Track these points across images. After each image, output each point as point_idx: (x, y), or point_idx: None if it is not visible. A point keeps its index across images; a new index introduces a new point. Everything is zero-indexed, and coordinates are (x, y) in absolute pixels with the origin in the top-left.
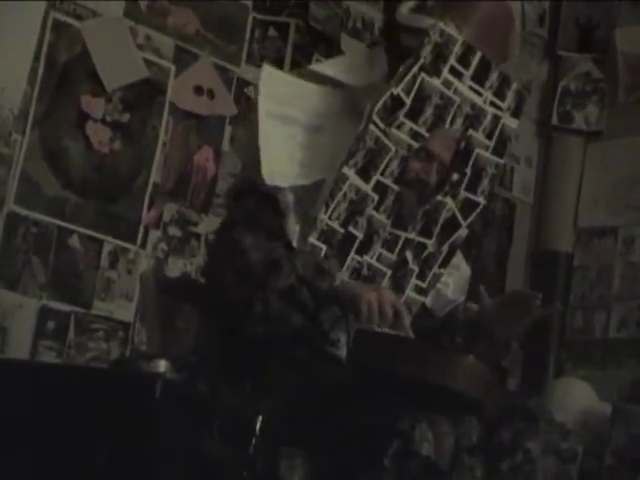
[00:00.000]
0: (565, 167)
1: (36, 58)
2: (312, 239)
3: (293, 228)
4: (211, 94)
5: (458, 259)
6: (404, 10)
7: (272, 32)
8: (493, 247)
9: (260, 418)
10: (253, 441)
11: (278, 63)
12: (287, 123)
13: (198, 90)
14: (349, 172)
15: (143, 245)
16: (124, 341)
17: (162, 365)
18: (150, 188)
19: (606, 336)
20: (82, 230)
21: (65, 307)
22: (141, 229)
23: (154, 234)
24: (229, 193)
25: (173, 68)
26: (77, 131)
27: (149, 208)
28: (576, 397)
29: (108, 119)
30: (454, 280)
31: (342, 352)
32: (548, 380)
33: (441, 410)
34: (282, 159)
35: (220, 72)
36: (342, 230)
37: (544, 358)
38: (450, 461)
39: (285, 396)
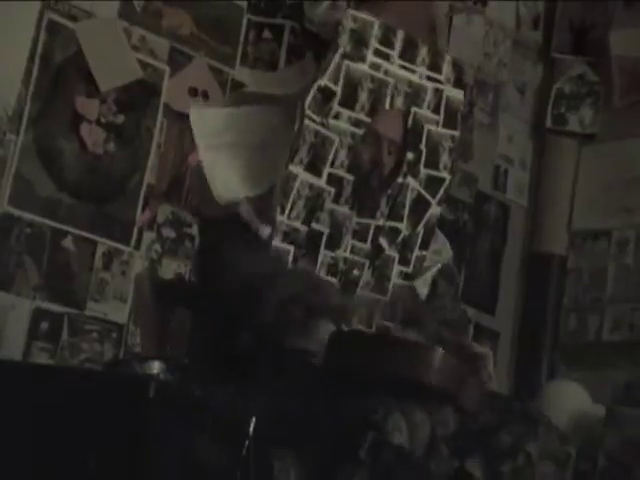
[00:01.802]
0: (559, 169)
1: (30, 59)
2: (276, 242)
3: (264, 231)
4: (205, 95)
5: (441, 242)
6: (319, 10)
7: (267, 34)
8: (486, 249)
9: (253, 419)
10: (246, 442)
11: (273, 65)
12: (227, 149)
13: (192, 91)
14: (297, 169)
15: (137, 246)
16: (118, 342)
17: (156, 366)
18: (144, 189)
19: (600, 338)
20: (76, 231)
21: (59, 308)
22: (135, 230)
23: (148, 235)
24: (200, 224)
25: (168, 69)
26: (71, 132)
27: (143, 209)
28: (569, 399)
29: (102, 120)
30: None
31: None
32: (541, 382)
33: (414, 403)
34: (228, 177)
35: (215, 74)
36: (305, 228)
37: (537, 360)
38: (426, 450)
39: (272, 397)
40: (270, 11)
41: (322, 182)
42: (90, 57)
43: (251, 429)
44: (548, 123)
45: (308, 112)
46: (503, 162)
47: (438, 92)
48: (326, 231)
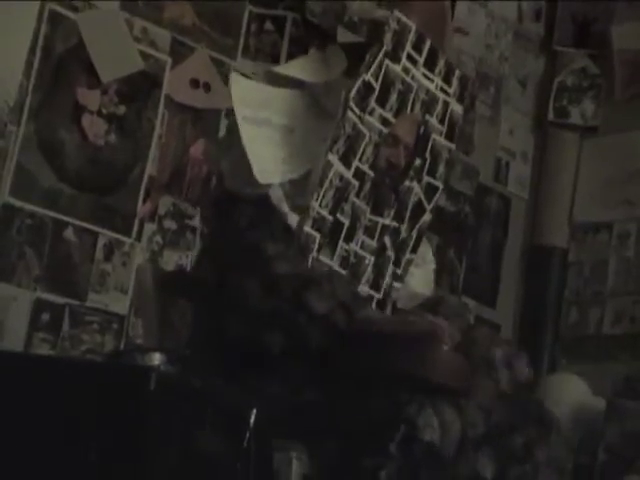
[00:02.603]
0: (561, 162)
1: (32, 50)
2: (307, 228)
3: (292, 219)
4: (207, 87)
5: (424, 249)
6: (355, 5)
7: (268, 25)
8: (488, 242)
9: (254, 411)
10: (247, 434)
11: (274, 57)
12: (262, 126)
13: (194, 83)
14: (333, 159)
15: (138, 238)
16: (119, 334)
17: (157, 358)
18: (146, 181)
19: (600, 331)
20: (77, 222)
21: (60, 299)
22: (136, 222)
23: (149, 227)
24: (220, 204)
25: (169, 61)
26: (73, 123)
27: (144, 201)
28: (570, 392)
29: (104, 111)
30: (420, 272)
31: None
32: (542, 375)
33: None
34: (267, 158)
35: (216, 65)
36: (331, 218)
37: (538, 353)
38: (457, 450)
39: (287, 388)
40: (272, 3)
41: (350, 175)
42: (91, 48)
43: (252, 420)
44: (550, 116)
45: (351, 104)
46: (504, 155)
47: (446, 104)
48: (347, 223)
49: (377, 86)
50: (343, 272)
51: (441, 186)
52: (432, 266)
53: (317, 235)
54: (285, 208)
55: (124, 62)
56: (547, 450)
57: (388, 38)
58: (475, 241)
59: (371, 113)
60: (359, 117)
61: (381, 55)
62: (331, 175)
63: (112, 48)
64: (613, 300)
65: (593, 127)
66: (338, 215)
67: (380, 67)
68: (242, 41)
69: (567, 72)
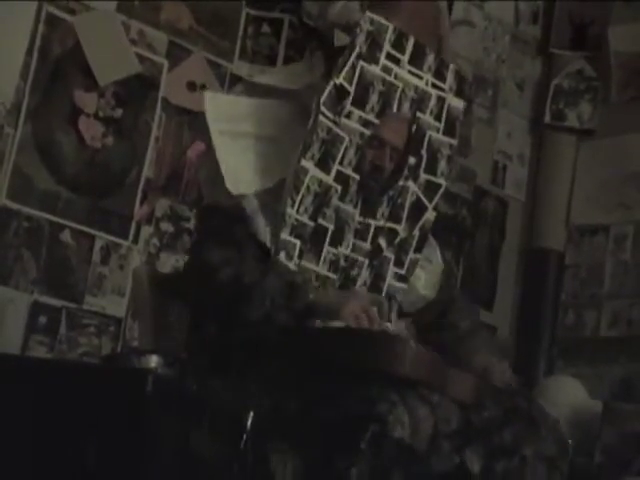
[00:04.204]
0: (557, 165)
1: (29, 52)
2: (284, 235)
3: (264, 230)
4: (204, 89)
5: (431, 250)
6: (335, 9)
7: (265, 28)
8: (485, 244)
9: (251, 413)
10: (244, 436)
11: (271, 59)
12: (239, 138)
13: (191, 85)
14: (308, 164)
15: (135, 241)
16: (116, 336)
17: (153, 360)
18: (142, 183)
19: (597, 334)
20: (74, 225)
21: (57, 302)
22: (133, 224)
23: (146, 230)
24: (196, 215)
25: (166, 63)
26: (70, 126)
27: (141, 203)
28: (567, 394)
29: (101, 114)
30: (426, 274)
31: None
32: (539, 377)
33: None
34: (241, 169)
35: (213, 68)
36: (312, 223)
37: (535, 355)
38: (429, 445)
39: (270, 390)
40: (269, 5)
41: (330, 179)
42: (88, 51)
43: (249, 423)
44: (547, 119)
45: (323, 109)
46: (502, 157)
47: (440, 100)
48: (331, 228)
49: (352, 89)
50: (334, 276)
51: (444, 183)
52: (439, 268)
53: (297, 242)
54: (259, 218)
55: (121, 65)
56: (535, 445)
57: (361, 39)
58: (472, 244)
59: (348, 116)
60: (333, 121)
61: (354, 57)
62: (307, 181)
63: (109, 51)
64: (610, 303)
65: (590, 130)
66: (320, 220)
67: (354, 69)
68: (239, 44)
69: (564, 75)
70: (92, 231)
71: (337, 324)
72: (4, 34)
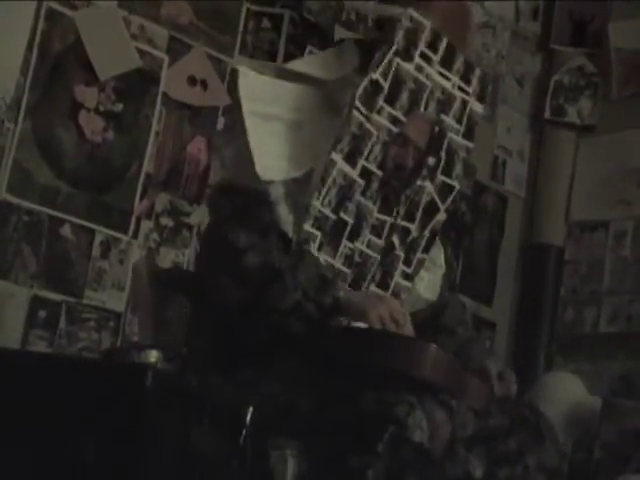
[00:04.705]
0: (557, 161)
1: (29, 47)
2: (307, 226)
3: (286, 219)
4: (204, 85)
5: (436, 251)
6: (370, 3)
7: (266, 23)
8: (484, 240)
9: (250, 409)
10: (243, 432)
11: (272, 54)
12: (270, 121)
13: (191, 80)
14: (337, 158)
15: (135, 235)
16: (115, 331)
17: (153, 355)
18: (142, 178)
19: (597, 330)
20: (74, 220)
21: (56, 296)
22: (133, 219)
23: (146, 224)
24: (213, 193)
25: (166, 58)
26: (70, 120)
27: (141, 198)
28: (566, 391)
29: (101, 109)
30: (429, 275)
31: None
32: (538, 374)
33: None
34: (271, 154)
35: (213, 63)
36: (334, 216)
37: (535, 352)
38: (445, 451)
39: (281, 385)
40: (269, 0)
41: (355, 174)
42: (89, 45)
43: (248, 419)
44: (547, 114)
45: (357, 103)
46: (501, 153)
47: (464, 103)
48: (351, 222)
49: (386, 85)
50: (348, 270)
51: (457, 186)
52: (441, 271)
53: (318, 233)
54: (283, 206)
55: (121, 59)
56: (539, 455)
57: (400, 36)
58: (472, 239)
59: (379, 112)
60: (366, 116)
61: (391, 53)
62: (334, 174)
63: (110, 45)
64: (609, 299)
65: (590, 126)
66: (342, 214)
67: (390, 65)
68: (239, 39)
69: (564, 71)
70: (92, 225)
71: (361, 325)
72: (4, 29)
